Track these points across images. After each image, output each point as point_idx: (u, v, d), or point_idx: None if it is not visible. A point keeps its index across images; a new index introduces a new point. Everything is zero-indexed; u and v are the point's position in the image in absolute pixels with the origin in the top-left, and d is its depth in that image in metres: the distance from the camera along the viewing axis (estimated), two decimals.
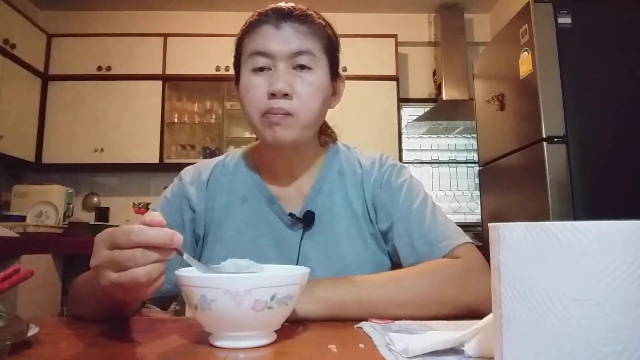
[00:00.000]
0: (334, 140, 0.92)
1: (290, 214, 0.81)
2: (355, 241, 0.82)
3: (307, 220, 0.81)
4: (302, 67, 0.75)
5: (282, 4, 0.77)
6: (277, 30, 0.75)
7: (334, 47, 0.82)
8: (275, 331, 0.54)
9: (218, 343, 0.51)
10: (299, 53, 0.75)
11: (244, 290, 0.48)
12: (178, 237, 0.48)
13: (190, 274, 0.52)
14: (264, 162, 0.86)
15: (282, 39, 0.75)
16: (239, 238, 0.81)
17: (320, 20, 0.79)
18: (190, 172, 0.87)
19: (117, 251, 0.47)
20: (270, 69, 0.75)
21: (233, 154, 0.91)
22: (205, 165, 0.88)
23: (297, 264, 0.79)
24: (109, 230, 0.50)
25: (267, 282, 0.50)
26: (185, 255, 0.53)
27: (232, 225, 0.82)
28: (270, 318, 0.51)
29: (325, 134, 0.90)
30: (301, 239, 0.81)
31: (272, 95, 0.73)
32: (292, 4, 0.78)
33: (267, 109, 0.74)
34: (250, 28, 0.78)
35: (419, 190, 0.83)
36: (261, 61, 0.75)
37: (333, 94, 0.83)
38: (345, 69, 3.38)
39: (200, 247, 0.84)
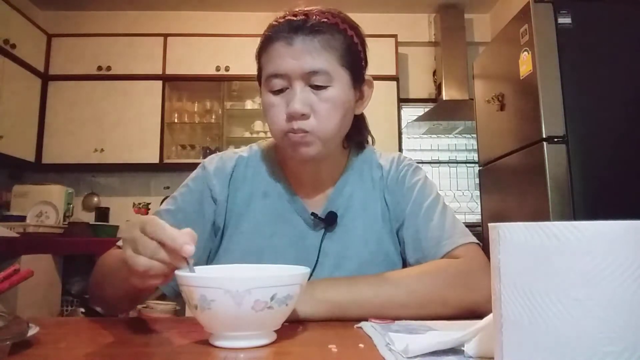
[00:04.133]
0: (361, 146, 0.91)
1: (313, 214, 0.81)
2: (371, 242, 0.82)
3: (329, 221, 0.81)
4: (317, 87, 0.74)
5: (296, 11, 0.75)
6: (289, 47, 0.73)
7: (356, 53, 0.79)
8: (276, 331, 0.54)
9: (218, 343, 0.51)
10: (312, 72, 0.72)
11: (243, 290, 0.47)
12: (188, 249, 0.50)
13: (191, 273, 0.52)
14: (288, 164, 0.86)
15: (294, 56, 0.72)
16: (258, 232, 0.82)
17: (336, 25, 0.76)
18: (215, 162, 0.86)
19: (140, 235, 0.52)
20: (288, 87, 0.74)
21: (258, 147, 0.91)
22: (229, 156, 0.88)
23: (315, 264, 0.79)
24: (150, 217, 0.54)
25: (267, 282, 0.49)
26: (190, 264, 0.53)
27: (252, 219, 0.83)
28: (270, 318, 0.51)
29: (351, 138, 0.88)
30: (322, 239, 0.81)
31: (290, 116, 0.73)
32: (306, 11, 0.75)
33: (288, 129, 0.74)
34: (265, 44, 0.77)
35: (431, 191, 0.85)
36: (278, 83, 0.74)
37: (359, 98, 0.82)
38: None
39: (219, 238, 0.84)
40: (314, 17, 0.74)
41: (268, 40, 0.76)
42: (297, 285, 0.52)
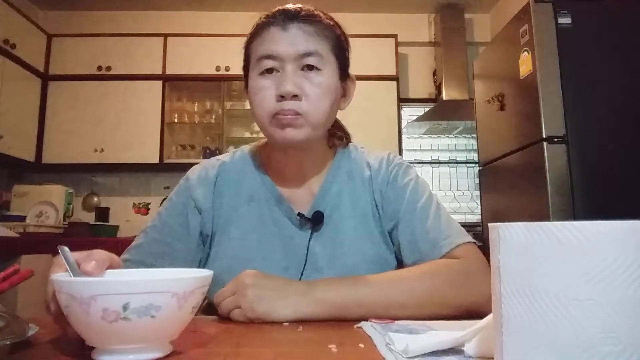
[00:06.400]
0: (345, 144, 0.91)
1: (299, 214, 0.81)
2: (362, 241, 0.82)
3: (315, 220, 0.81)
4: (310, 67, 0.75)
5: (289, 6, 0.77)
6: (284, 31, 0.75)
7: (343, 47, 0.81)
8: (274, 331, 0.53)
9: (99, 358, 0.45)
10: (307, 54, 0.74)
11: (87, 296, 0.41)
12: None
13: (55, 275, 0.47)
14: (272, 162, 0.86)
15: (289, 41, 0.74)
16: (246, 237, 0.81)
17: (327, 20, 0.79)
18: (197, 171, 0.87)
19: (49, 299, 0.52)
20: (278, 71, 0.75)
21: (240, 152, 0.90)
22: (212, 164, 0.88)
23: (304, 264, 0.79)
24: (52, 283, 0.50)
25: (115, 288, 0.41)
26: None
27: (240, 224, 0.82)
28: (132, 331, 0.42)
29: (335, 137, 0.89)
30: (309, 239, 0.81)
31: (281, 97, 0.73)
32: (300, 5, 0.78)
33: (277, 111, 0.74)
34: (257, 31, 0.78)
35: (424, 190, 0.84)
36: (269, 63, 0.75)
37: (343, 95, 0.83)
38: None
39: (207, 246, 0.84)
40: (306, 9, 0.77)
41: (262, 27, 0.77)
42: (166, 293, 0.43)
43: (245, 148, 0.91)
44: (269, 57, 0.75)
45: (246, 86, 0.81)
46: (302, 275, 0.79)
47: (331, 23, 0.80)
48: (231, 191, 0.85)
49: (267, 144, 0.86)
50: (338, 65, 0.79)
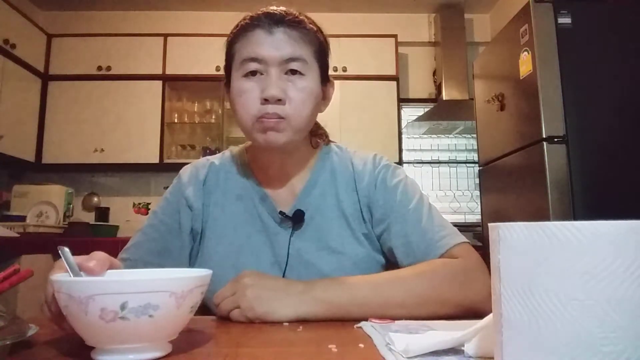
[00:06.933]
0: (327, 141, 0.92)
1: (280, 212, 0.82)
2: (346, 240, 0.82)
3: (296, 219, 0.82)
4: (293, 72, 0.76)
5: (274, 9, 0.78)
6: (269, 35, 0.75)
7: (325, 52, 0.83)
8: (273, 331, 0.53)
9: (99, 357, 0.45)
10: (292, 59, 0.75)
11: (85, 296, 0.41)
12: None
13: (54, 275, 0.48)
14: (257, 162, 0.87)
15: (275, 45, 0.75)
16: (235, 234, 0.83)
17: (311, 26, 0.80)
18: (188, 171, 0.89)
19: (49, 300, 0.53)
20: (262, 73, 0.76)
21: (229, 152, 0.92)
22: (202, 164, 0.90)
23: (286, 262, 0.80)
24: (52, 284, 0.49)
25: (113, 288, 0.42)
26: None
27: (229, 222, 0.84)
28: (130, 331, 0.43)
29: (316, 135, 0.90)
30: (290, 237, 0.82)
31: (265, 100, 0.74)
32: (284, 9, 0.78)
33: (262, 114, 0.74)
34: (242, 32, 0.78)
35: (414, 190, 0.84)
36: (253, 66, 0.76)
37: (323, 98, 0.84)
38: (345, 69, 3.38)
39: (198, 243, 0.85)
40: (291, 14, 0.78)
41: (246, 28, 0.78)
42: (163, 292, 0.43)
43: (234, 149, 0.93)
44: (253, 59, 0.75)
45: (226, 84, 0.82)
46: (285, 272, 0.80)
47: (314, 28, 0.80)
48: (219, 190, 0.87)
49: (252, 145, 0.87)
50: (320, 70, 0.80)
